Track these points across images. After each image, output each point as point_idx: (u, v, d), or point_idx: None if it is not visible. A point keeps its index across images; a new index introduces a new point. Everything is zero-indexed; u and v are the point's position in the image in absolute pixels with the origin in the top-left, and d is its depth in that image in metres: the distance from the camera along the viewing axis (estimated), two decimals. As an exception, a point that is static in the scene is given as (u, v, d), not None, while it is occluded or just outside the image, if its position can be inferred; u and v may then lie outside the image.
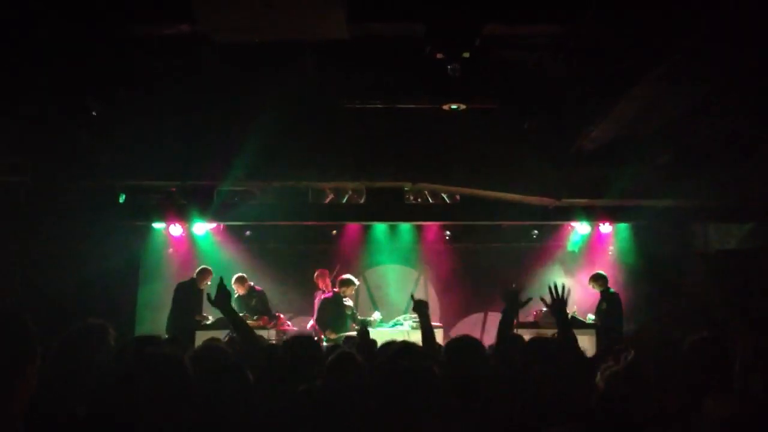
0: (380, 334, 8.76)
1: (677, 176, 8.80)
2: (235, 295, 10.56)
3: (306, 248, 12.00)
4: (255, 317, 10.14)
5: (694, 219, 10.67)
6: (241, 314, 9.72)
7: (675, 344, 3.93)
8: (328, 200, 11.17)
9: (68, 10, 5.73)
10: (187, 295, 10.20)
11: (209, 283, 10.32)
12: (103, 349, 3.50)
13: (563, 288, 4.21)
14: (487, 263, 12.11)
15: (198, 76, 7.37)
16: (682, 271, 10.67)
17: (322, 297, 10.39)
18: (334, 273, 10.84)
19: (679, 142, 8.20)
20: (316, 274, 10.90)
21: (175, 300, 10.22)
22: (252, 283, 10.72)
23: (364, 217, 11.20)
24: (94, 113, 7.58)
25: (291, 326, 10.54)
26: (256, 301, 10.54)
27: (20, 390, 1.87)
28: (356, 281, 10.56)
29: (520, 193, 9.50)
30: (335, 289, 10.31)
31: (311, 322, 10.41)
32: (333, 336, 9.58)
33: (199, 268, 10.43)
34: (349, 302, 10.38)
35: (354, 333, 8.76)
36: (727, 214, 10.03)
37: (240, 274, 10.73)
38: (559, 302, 4.23)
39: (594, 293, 10.51)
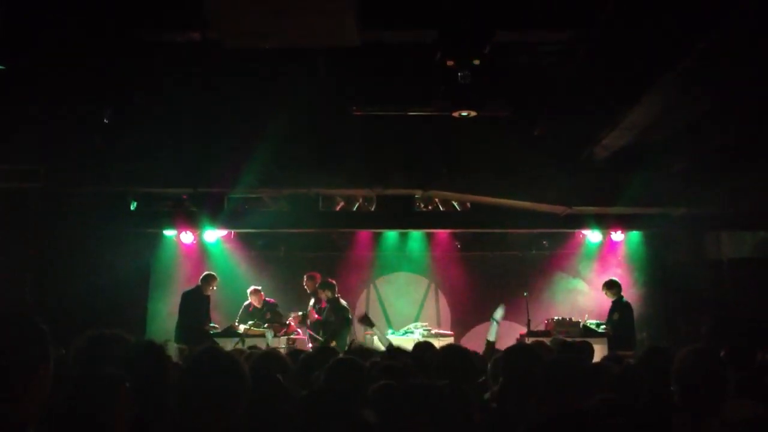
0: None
1: (690, 184, 8.74)
2: (250, 309, 10.50)
3: (316, 256, 11.96)
4: (265, 325, 10.05)
5: (706, 227, 10.59)
6: (250, 323, 9.89)
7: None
8: (338, 207, 11.14)
9: (80, 17, 5.75)
10: (193, 302, 10.14)
11: (215, 288, 10.28)
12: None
13: None
14: (497, 271, 12.05)
15: (209, 82, 7.39)
16: (695, 279, 10.58)
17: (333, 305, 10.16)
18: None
19: (691, 149, 8.14)
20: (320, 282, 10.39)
21: (181, 308, 10.18)
22: (263, 295, 10.67)
23: (374, 225, 11.19)
24: (105, 120, 7.61)
25: (300, 334, 10.43)
26: (270, 314, 10.45)
27: (34, 391, 1.86)
28: None
29: (531, 200, 9.47)
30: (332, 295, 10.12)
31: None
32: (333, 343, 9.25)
33: (204, 274, 10.37)
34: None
35: None
36: (740, 222, 9.93)
37: (254, 287, 10.68)
38: None
39: (604, 300, 10.40)
